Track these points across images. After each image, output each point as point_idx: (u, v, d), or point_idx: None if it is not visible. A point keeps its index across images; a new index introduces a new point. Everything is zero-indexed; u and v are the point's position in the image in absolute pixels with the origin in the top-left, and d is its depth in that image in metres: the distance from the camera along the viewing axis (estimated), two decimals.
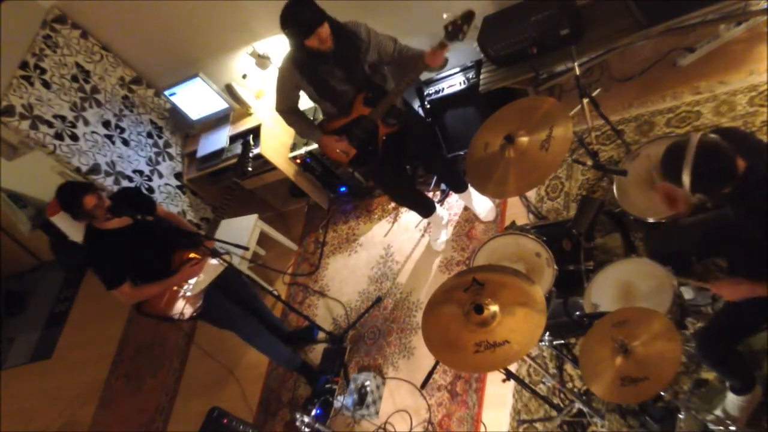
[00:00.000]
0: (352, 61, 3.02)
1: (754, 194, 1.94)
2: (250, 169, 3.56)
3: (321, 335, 3.95)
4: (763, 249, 1.99)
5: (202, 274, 3.36)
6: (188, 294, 3.36)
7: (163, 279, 3.28)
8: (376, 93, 3.12)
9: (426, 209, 3.80)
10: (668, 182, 2.03)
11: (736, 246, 2.29)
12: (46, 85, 3.98)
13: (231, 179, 3.55)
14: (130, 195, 3.47)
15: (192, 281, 3.37)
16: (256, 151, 4.17)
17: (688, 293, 2.69)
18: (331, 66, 3.02)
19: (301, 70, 3.06)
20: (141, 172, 4.42)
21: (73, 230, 4.09)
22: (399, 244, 4.10)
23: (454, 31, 2.80)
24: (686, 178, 1.92)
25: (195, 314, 3.39)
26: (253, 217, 4.33)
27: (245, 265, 4.13)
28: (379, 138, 3.23)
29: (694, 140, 1.92)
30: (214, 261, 3.38)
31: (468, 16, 2.78)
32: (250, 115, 4.40)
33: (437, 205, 3.86)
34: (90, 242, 3.24)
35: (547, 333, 2.75)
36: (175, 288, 3.36)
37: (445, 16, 2.80)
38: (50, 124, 3.95)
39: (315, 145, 4.14)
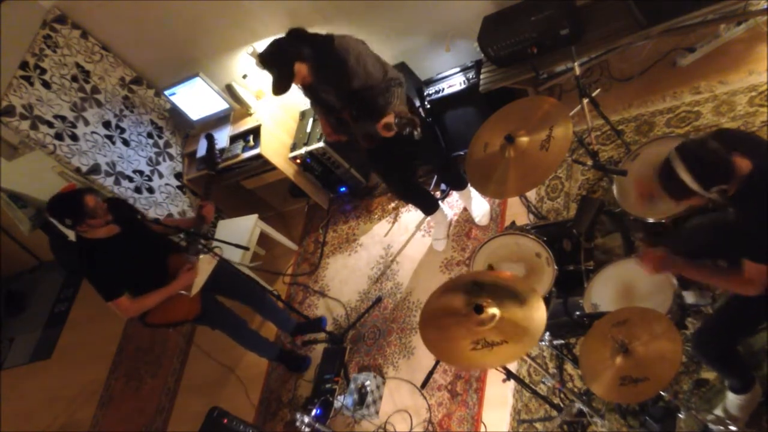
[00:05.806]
0: (338, 84, 3.06)
1: (761, 194, 1.93)
2: (219, 161, 3.58)
3: (321, 335, 3.95)
4: (763, 251, 1.98)
5: (197, 272, 3.36)
6: (189, 296, 3.34)
7: (162, 287, 3.23)
8: (363, 110, 3.12)
9: (429, 206, 3.80)
10: (680, 198, 2.02)
11: (736, 248, 2.28)
12: (46, 85, 3.98)
13: (206, 173, 3.63)
14: (119, 202, 3.48)
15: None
16: (255, 151, 4.19)
17: (689, 297, 2.69)
18: (322, 83, 3.09)
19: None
20: (141, 172, 4.41)
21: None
22: (399, 244, 4.10)
23: None
24: (689, 180, 1.91)
25: (198, 314, 3.39)
26: (253, 217, 4.32)
27: (246, 262, 4.14)
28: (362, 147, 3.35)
29: (672, 149, 1.96)
30: (206, 257, 3.37)
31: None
32: (250, 115, 4.39)
33: (441, 204, 3.86)
34: (83, 254, 3.17)
35: (547, 333, 2.75)
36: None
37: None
38: (50, 124, 3.94)
39: (315, 145, 4.16)
